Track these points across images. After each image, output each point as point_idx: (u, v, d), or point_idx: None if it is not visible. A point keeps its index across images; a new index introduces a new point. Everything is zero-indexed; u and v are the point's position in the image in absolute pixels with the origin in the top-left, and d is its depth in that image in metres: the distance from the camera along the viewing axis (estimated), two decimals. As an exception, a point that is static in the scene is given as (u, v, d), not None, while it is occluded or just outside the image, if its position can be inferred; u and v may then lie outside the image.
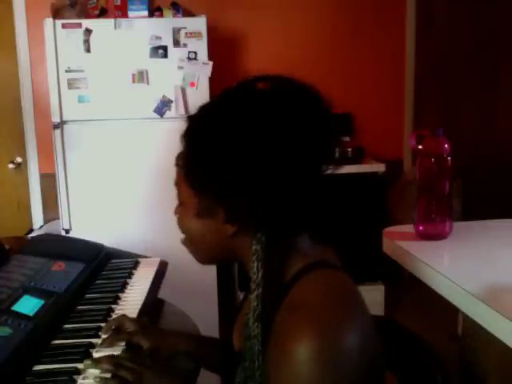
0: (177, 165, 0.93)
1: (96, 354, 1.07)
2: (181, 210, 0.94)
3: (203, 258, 0.97)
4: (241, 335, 0.94)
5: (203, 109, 0.90)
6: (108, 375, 0.97)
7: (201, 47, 2.94)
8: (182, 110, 2.92)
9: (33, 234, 3.01)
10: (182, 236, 0.97)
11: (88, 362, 1.01)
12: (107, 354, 1.03)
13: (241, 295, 3.16)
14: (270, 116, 0.83)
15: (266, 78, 0.88)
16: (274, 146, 0.82)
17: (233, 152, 0.82)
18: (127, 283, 1.46)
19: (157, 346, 1.09)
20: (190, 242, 0.96)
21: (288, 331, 0.78)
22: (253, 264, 0.84)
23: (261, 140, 0.82)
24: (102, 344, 1.10)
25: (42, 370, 1.04)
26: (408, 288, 3.09)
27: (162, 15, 3.13)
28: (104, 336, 1.13)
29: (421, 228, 1.57)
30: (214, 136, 0.84)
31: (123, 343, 1.09)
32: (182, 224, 0.95)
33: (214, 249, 0.93)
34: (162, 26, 2.93)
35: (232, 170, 0.82)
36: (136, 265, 1.60)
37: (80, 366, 1.02)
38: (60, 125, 2.91)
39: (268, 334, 0.82)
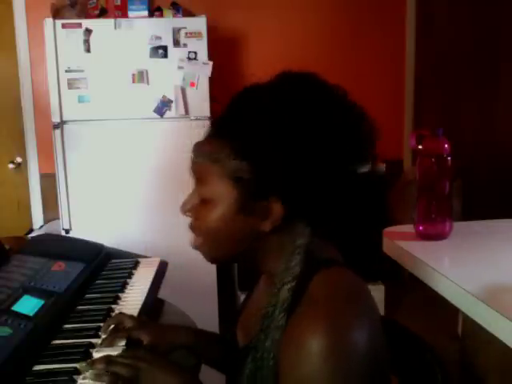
0: (204, 157, 0.88)
1: (96, 354, 1.07)
2: (206, 206, 0.89)
3: (221, 256, 0.94)
4: (247, 330, 0.95)
5: (254, 101, 0.87)
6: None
7: (201, 47, 2.94)
8: (181, 110, 2.92)
9: (33, 234, 3.01)
10: (192, 237, 0.93)
11: (83, 364, 0.99)
12: (106, 354, 1.03)
13: (241, 295, 3.15)
14: (326, 109, 0.85)
15: (308, 75, 0.89)
16: (324, 137, 0.84)
17: (295, 141, 0.83)
18: (127, 283, 1.46)
19: (157, 341, 1.08)
20: (212, 240, 0.90)
21: (301, 326, 0.79)
22: (296, 256, 0.85)
23: (315, 130, 0.84)
24: (102, 344, 1.10)
25: (42, 369, 1.04)
26: (408, 288, 3.09)
27: (162, 15, 3.13)
28: (103, 336, 1.13)
29: (421, 228, 1.57)
30: (275, 128, 0.83)
31: (123, 342, 1.09)
32: (208, 220, 0.89)
33: (239, 247, 0.90)
34: (162, 26, 2.93)
35: (294, 161, 0.83)
36: (136, 265, 1.60)
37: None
38: (60, 125, 2.91)
39: (292, 311, 0.83)
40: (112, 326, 1.13)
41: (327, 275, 0.85)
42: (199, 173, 0.90)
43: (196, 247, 0.93)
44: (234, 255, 0.93)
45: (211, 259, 0.95)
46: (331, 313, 0.79)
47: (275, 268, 0.88)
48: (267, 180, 0.84)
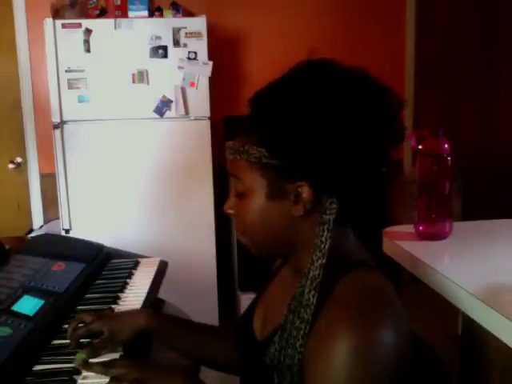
0: (234, 154, 0.90)
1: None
2: (242, 200, 0.91)
3: (266, 249, 0.94)
4: (270, 321, 0.95)
5: (279, 88, 0.89)
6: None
7: (201, 47, 2.94)
8: (181, 110, 2.92)
9: (33, 234, 3.01)
10: (241, 236, 0.94)
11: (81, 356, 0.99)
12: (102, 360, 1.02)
13: (241, 295, 3.16)
14: (347, 93, 0.87)
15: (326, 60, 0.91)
16: (352, 120, 0.86)
17: (319, 123, 0.84)
18: (127, 283, 1.46)
19: (116, 328, 1.09)
20: (253, 232, 0.91)
21: (329, 325, 0.79)
22: (322, 233, 0.85)
23: (341, 113, 0.85)
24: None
25: (42, 369, 1.04)
26: (408, 288, 3.09)
27: (161, 15, 3.13)
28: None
29: (421, 228, 1.57)
30: (302, 110, 0.85)
31: (120, 349, 1.09)
32: (246, 213, 0.90)
33: (280, 234, 0.90)
34: (162, 26, 2.94)
35: (319, 140, 0.84)
36: (136, 265, 1.60)
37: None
38: (60, 125, 2.91)
39: (320, 309, 0.83)
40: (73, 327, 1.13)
41: (357, 276, 0.86)
42: (232, 169, 0.92)
43: (244, 243, 0.95)
44: (275, 246, 0.93)
45: (258, 253, 0.95)
46: (358, 312, 0.79)
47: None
48: (292, 164, 0.85)
